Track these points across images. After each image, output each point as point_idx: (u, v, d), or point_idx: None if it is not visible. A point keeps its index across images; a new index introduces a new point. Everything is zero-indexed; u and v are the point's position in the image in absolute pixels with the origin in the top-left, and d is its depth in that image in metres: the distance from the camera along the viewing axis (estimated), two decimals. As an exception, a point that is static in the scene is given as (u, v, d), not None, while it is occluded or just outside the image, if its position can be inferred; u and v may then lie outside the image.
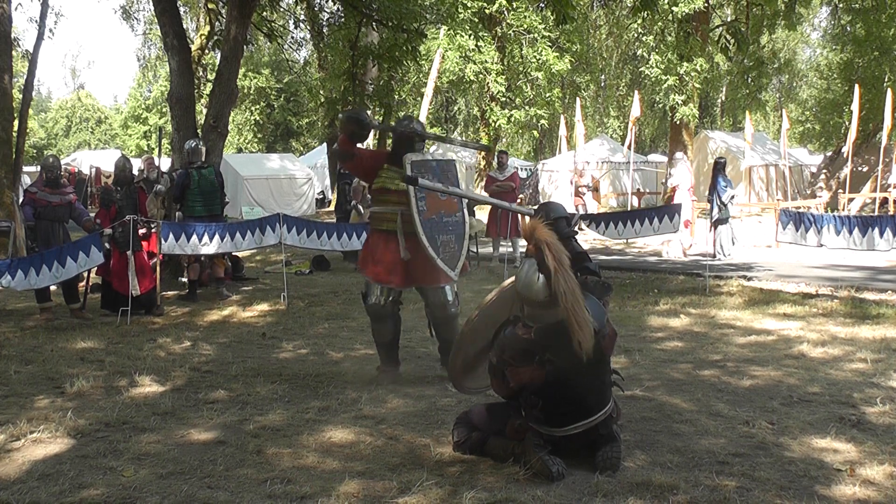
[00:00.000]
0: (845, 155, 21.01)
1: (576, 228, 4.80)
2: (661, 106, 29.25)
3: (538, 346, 3.69)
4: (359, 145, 5.64)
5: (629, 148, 20.44)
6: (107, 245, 8.31)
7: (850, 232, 8.64)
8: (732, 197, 12.82)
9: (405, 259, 5.27)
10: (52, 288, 8.35)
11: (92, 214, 9.57)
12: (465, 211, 5.52)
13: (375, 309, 5.48)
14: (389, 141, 6.25)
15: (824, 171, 23.22)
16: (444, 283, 5.36)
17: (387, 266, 5.33)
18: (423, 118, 28.36)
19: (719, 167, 12.92)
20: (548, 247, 3.70)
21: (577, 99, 24.12)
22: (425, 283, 5.37)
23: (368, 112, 5.46)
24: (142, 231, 8.55)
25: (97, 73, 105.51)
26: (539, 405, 3.71)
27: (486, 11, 23.11)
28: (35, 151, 48.21)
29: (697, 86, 22.96)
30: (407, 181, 5.01)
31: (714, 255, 12.50)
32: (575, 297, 3.62)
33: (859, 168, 21.58)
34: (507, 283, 4.22)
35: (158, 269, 8.83)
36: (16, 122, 10.38)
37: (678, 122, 23.48)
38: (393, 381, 5.41)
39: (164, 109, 45.25)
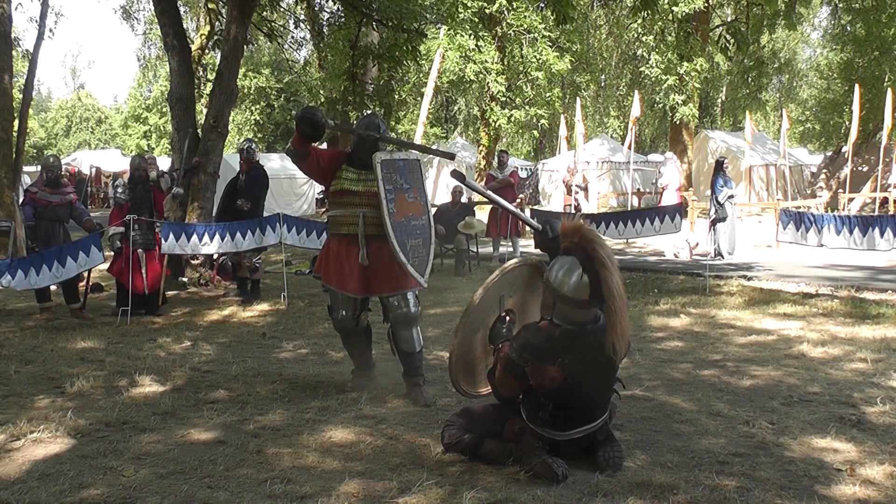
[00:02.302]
0: (845, 155, 21.03)
1: None
2: (661, 106, 29.27)
3: (559, 346, 3.64)
4: (315, 145, 5.29)
5: (629, 148, 20.45)
6: (118, 243, 8.31)
7: (851, 232, 8.64)
8: (731, 196, 12.82)
9: (364, 265, 4.99)
10: (53, 288, 8.35)
11: (95, 214, 9.57)
12: (430, 214, 5.27)
13: (344, 324, 5.23)
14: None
15: (824, 170, 23.22)
16: (409, 288, 5.08)
17: (347, 272, 5.06)
18: (422, 118, 28.37)
19: (719, 167, 12.95)
20: (599, 246, 3.64)
21: (577, 99, 24.12)
22: (388, 290, 5.07)
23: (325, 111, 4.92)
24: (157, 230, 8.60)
25: (97, 73, 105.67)
26: (549, 408, 3.69)
27: (486, 11, 23.08)
28: (35, 151, 48.24)
29: (697, 86, 23.00)
30: (455, 175, 4.79)
31: (715, 255, 12.51)
32: (623, 300, 3.60)
33: (859, 168, 21.58)
34: (490, 281, 4.16)
35: (164, 267, 8.86)
36: (16, 122, 10.37)
37: (678, 122, 23.52)
38: (367, 386, 5.27)
39: (164, 109, 45.28)
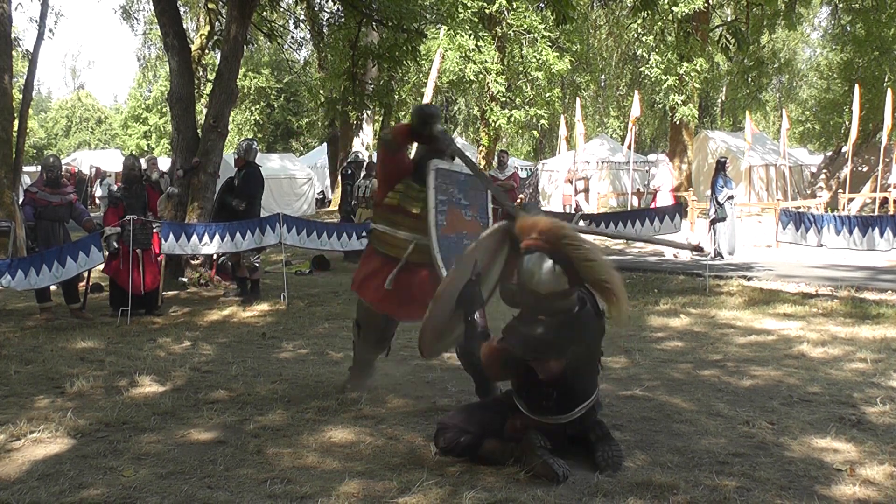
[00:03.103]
0: (845, 155, 21.04)
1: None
2: (661, 106, 29.29)
3: (565, 340, 3.63)
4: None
5: (629, 148, 20.45)
6: (115, 244, 8.30)
7: (850, 232, 8.65)
8: (731, 197, 12.82)
9: (388, 289, 4.56)
10: (52, 288, 8.35)
11: (95, 214, 9.57)
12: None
13: (374, 342, 4.90)
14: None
15: (824, 171, 23.23)
16: None
17: (398, 295, 4.59)
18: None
19: (720, 166, 12.96)
20: (563, 235, 3.60)
21: (577, 99, 24.13)
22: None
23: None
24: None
25: (97, 73, 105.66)
26: (554, 395, 3.70)
27: (486, 11, 23.09)
28: (35, 151, 48.21)
29: (697, 86, 23.00)
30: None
31: (714, 255, 12.53)
32: (611, 269, 3.61)
33: (859, 168, 21.58)
34: (469, 250, 4.10)
35: (163, 268, 8.86)
36: (16, 122, 10.38)
37: (678, 122, 23.52)
38: (365, 384, 5.17)
39: (164, 109, 45.26)
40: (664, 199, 14.81)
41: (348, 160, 15.24)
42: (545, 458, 3.60)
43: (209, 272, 10.70)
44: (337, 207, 14.70)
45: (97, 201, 19.95)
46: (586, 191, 20.31)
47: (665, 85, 22.12)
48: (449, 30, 22.46)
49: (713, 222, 12.82)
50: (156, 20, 14.11)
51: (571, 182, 17.70)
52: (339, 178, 17.92)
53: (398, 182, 4.59)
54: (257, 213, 9.74)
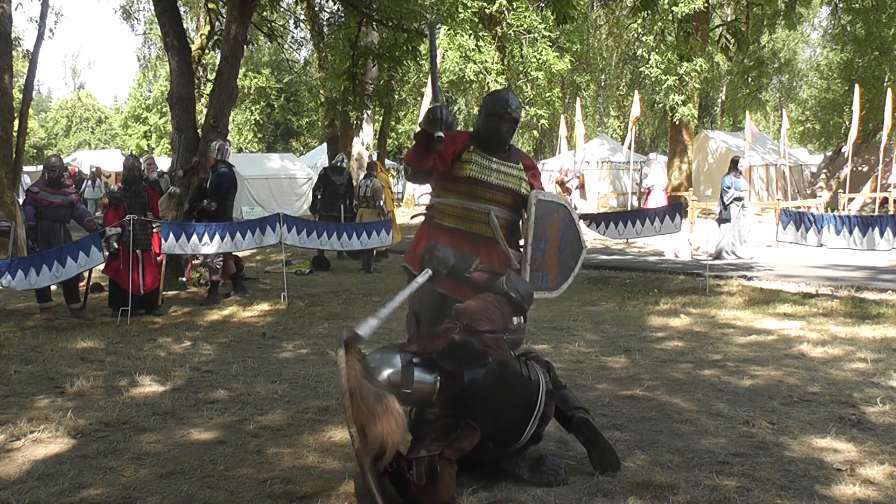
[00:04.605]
0: (845, 155, 21.04)
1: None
2: (661, 106, 29.27)
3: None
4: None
5: (629, 148, 20.45)
6: (115, 245, 8.29)
7: (851, 232, 8.65)
8: (738, 199, 12.69)
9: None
10: (53, 288, 8.35)
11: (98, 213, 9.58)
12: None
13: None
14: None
15: (824, 170, 23.24)
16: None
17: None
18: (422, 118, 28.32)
19: (732, 165, 12.91)
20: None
21: (577, 99, 24.12)
22: None
23: None
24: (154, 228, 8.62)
25: (97, 73, 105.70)
26: (490, 447, 3.55)
27: (486, 11, 23.08)
28: (35, 151, 48.24)
29: (697, 86, 23.00)
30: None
31: (716, 255, 12.52)
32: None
33: (859, 168, 21.59)
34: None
35: (163, 267, 8.85)
36: (16, 122, 10.37)
37: (678, 122, 23.53)
38: None
39: (164, 109, 45.27)
40: (657, 199, 14.79)
41: (331, 163, 14.72)
42: (532, 479, 3.56)
43: (206, 271, 10.68)
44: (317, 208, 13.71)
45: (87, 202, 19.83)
46: (582, 187, 20.29)
47: (665, 85, 22.13)
48: (449, 30, 22.45)
49: (719, 222, 12.79)
50: (156, 20, 14.10)
51: (562, 183, 17.70)
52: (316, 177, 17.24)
53: (461, 155, 3.98)
54: (229, 215, 9.69)
